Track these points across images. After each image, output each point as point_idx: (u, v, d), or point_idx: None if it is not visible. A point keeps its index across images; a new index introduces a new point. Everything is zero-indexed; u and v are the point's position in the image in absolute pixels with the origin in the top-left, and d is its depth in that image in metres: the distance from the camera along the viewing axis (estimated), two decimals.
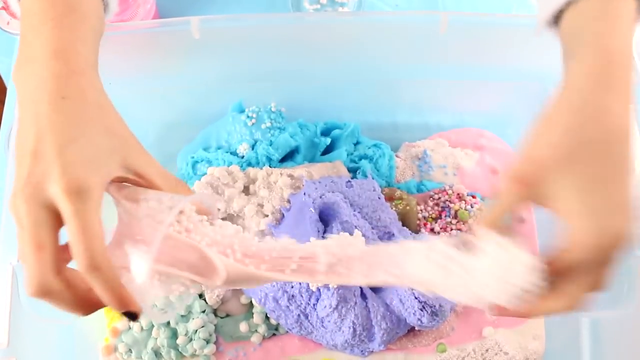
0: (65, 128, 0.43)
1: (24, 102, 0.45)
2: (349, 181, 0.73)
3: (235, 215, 0.73)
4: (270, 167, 0.74)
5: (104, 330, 0.72)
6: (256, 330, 0.72)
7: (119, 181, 0.46)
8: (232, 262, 0.45)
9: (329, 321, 0.68)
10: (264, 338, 0.72)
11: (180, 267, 0.45)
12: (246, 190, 0.73)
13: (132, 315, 0.44)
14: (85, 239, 0.41)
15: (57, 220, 0.43)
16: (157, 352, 0.71)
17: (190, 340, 0.70)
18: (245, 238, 0.47)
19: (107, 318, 0.72)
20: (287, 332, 0.72)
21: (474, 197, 0.76)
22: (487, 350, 0.72)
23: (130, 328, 0.71)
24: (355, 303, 0.67)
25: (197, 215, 0.46)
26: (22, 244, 0.43)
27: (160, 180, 0.47)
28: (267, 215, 0.72)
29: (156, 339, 0.70)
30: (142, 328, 0.71)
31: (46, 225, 0.42)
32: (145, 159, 0.48)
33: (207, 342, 0.70)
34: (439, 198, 0.76)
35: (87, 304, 0.45)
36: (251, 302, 0.72)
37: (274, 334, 0.72)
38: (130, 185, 0.47)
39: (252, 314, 0.72)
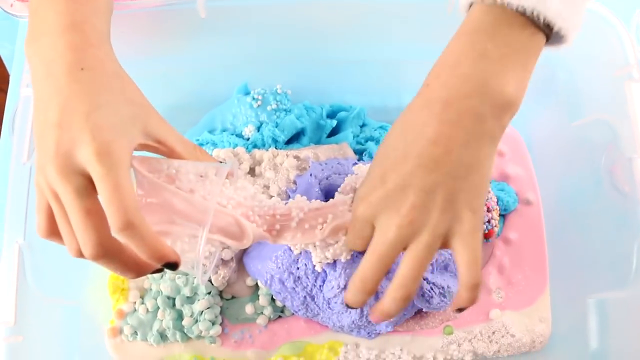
0: (88, 97, 0.43)
1: (41, 76, 0.45)
2: (355, 163, 0.73)
3: None
4: (276, 148, 0.74)
5: (109, 312, 0.72)
6: (262, 313, 0.72)
7: (141, 148, 0.47)
8: (255, 227, 0.51)
9: (335, 302, 0.68)
10: (269, 320, 0.72)
11: (212, 230, 0.48)
12: (252, 171, 0.73)
13: (172, 266, 0.45)
14: (118, 197, 0.41)
15: (92, 185, 0.43)
16: (162, 334, 0.71)
17: (196, 321, 0.70)
18: (263, 200, 0.53)
19: (112, 300, 0.72)
20: (293, 314, 0.72)
21: None
22: (493, 333, 0.72)
23: (135, 310, 0.71)
24: None
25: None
26: (71, 213, 0.43)
27: (180, 147, 0.49)
28: (273, 197, 0.71)
29: (161, 320, 0.70)
30: (147, 310, 0.71)
31: (87, 190, 0.43)
32: (165, 127, 0.49)
33: (213, 323, 0.70)
34: None
35: (138, 266, 0.47)
36: (257, 284, 0.72)
37: (279, 316, 0.72)
38: (151, 157, 0.48)
39: (258, 296, 0.72)
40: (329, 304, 0.68)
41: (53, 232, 0.46)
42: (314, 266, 0.67)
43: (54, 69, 0.44)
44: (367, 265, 0.51)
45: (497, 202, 0.75)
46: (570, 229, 0.74)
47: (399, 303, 0.50)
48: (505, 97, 0.47)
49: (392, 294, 0.50)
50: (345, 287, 0.66)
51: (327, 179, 0.70)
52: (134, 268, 0.46)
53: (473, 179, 0.48)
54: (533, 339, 0.72)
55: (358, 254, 0.67)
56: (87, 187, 0.43)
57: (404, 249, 0.50)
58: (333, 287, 0.66)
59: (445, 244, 0.50)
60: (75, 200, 0.43)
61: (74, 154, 0.43)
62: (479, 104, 0.47)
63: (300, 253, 0.67)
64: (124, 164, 0.43)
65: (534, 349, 0.73)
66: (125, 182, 0.42)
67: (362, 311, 0.67)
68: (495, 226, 0.73)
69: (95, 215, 0.43)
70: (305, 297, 0.69)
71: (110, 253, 0.44)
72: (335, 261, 0.67)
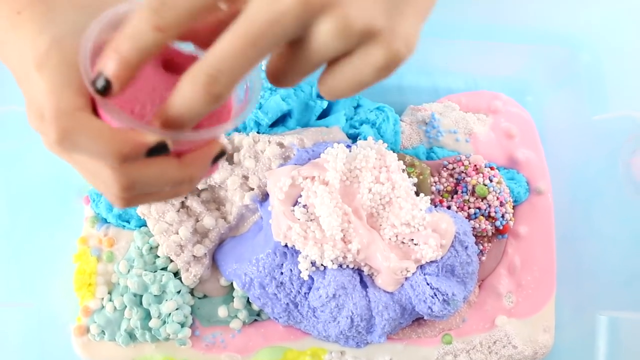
0: (33, 41, 0.36)
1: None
2: (348, 146, 0.65)
3: (216, 186, 0.65)
4: (258, 132, 0.67)
5: (75, 310, 0.66)
6: (236, 316, 0.65)
7: None
8: None
9: (322, 311, 0.61)
10: (244, 324, 0.66)
11: None
12: (230, 159, 0.66)
13: (160, 148, 0.35)
14: (49, 107, 0.34)
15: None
16: (131, 334, 0.65)
17: (164, 323, 0.64)
18: None
19: (78, 296, 0.66)
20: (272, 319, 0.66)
21: (492, 168, 0.68)
22: (494, 343, 0.66)
23: (103, 307, 0.65)
24: (354, 292, 0.61)
25: None
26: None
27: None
28: (252, 189, 0.64)
29: (129, 320, 0.64)
30: (115, 308, 0.65)
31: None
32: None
33: (182, 325, 0.64)
34: (454, 169, 0.68)
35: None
36: (232, 285, 0.66)
37: (255, 320, 0.66)
38: None
39: (232, 297, 0.66)
40: (314, 312, 0.62)
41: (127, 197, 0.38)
42: (299, 272, 0.61)
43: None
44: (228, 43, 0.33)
45: (510, 194, 0.68)
46: (582, 231, 0.69)
47: (198, 97, 0.33)
48: None
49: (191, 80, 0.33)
50: (334, 296, 0.60)
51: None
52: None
53: None
54: (535, 350, 0.66)
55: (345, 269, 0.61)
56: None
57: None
58: (321, 295, 0.60)
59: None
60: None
61: (33, 94, 0.36)
62: None
63: (286, 257, 0.61)
64: (64, 67, 0.35)
65: None
66: (61, 83, 0.35)
67: (352, 321, 0.61)
68: (510, 220, 0.67)
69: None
70: (288, 304, 0.62)
71: (137, 176, 0.36)
72: (325, 268, 0.61)
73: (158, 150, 0.34)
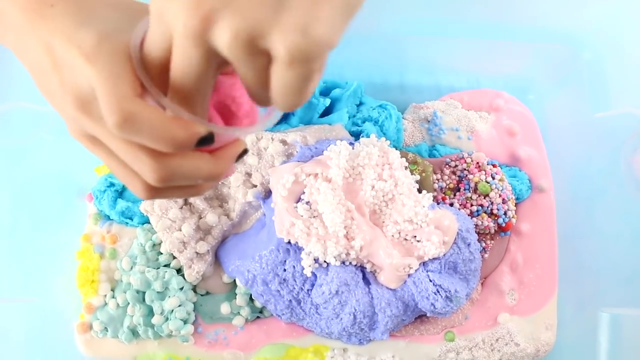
0: (67, 25, 0.37)
1: (21, 52, 0.40)
2: (351, 143, 0.65)
3: (219, 183, 0.65)
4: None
5: (78, 307, 0.66)
6: (239, 313, 0.65)
7: None
8: None
9: (325, 308, 0.61)
10: (246, 321, 0.66)
11: None
12: None
13: (207, 139, 0.37)
14: (109, 89, 0.35)
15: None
16: (133, 331, 0.65)
17: (167, 319, 0.64)
18: None
19: (81, 293, 0.66)
20: (272, 315, 0.66)
21: (494, 165, 0.68)
22: (497, 340, 0.66)
23: (105, 304, 0.65)
24: (357, 288, 0.61)
25: None
26: (115, 146, 0.38)
27: None
28: (255, 186, 0.64)
29: (132, 316, 0.64)
30: (117, 305, 0.65)
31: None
32: None
33: (185, 322, 0.64)
34: (456, 166, 0.68)
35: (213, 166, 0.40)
36: (234, 281, 0.66)
37: (257, 317, 0.66)
38: None
39: (235, 294, 0.66)
40: (317, 309, 0.62)
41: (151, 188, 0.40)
42: (302, 269, 0.61)
43: (22, 32, 0.39)
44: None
45: (512, 192, 0.68)
46: (583, 228, 0.69)
47: None
48: None
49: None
50: (337, 292, 0.60)
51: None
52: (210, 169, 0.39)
53: None
54: (537, 347, 0.66)
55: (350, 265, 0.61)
56: None
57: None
58: (324, 292, 0.60)
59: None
60: (107, 130, 0.37)
61: (77, 82, 0.37)
62: None
63: (289, 254, 0.61)
64: (117, 58, 0.36)
65: (537, 358, 0.67)
66: (119, 69, 0.36)
67: (354, 318, 0.61)
68: (513, 217, 0.67)
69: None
70: (290, 300, 0.62)
71: (176, 166, 0.38)
72: (328, 265, 0.61)
73: (206, 141, 0.37)
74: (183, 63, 0.35)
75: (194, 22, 0.33)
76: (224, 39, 0.33)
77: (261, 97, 0.36)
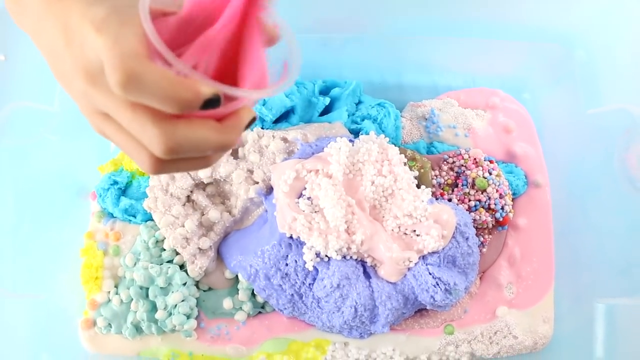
0: (79, 5, 0.38)
1: (34, 32, 0.42)
2: (351, 140, 0.66)
3: (221, 180, 0.66)
4: (262, 128, 0.68)
5: (82, 303, 0.67)
6: (241, 308, 0.66)
7: None
8: None
9: (327, 301, 0.62)
10: (248, 316, 0.67)
11: None
12: (235, 153, 0.67)
13: (213, 101, 0.37)
14: (114, 50, 0.36)
15: None
16: (137, 327, 0.66)
17: (170, 314, 0.65)
18: None
19: (85, 290, 0.67)
20: (274, 310, 0.67)
21: (491, 162, 0.69)
22: (495, 333, 0.67)
23: (109, 301, 0.66)
24: (358, 282, 0.62)
25: None
26: (123, 118, 0.38)
27: None
28: (257, 183, 0.66)
29: (135, 312, 0.65)
30: (121, 301, 0.66)
31: None
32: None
33: (188, 317, 0.65)
34: (454, 162, 0.69)
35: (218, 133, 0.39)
36: (236, 277, 0.67)
37: (259, 312, 0.67)
38: None
39: (237, 290, 0.67)
40: (318, 303, 0.63)
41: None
42: (304, 263, 0.62)
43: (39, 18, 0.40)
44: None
45: (509, 187, 0.69)
46: (579, 223, 0.70)
47: None
48: None
49: None
50: (338, 286, 0.61)
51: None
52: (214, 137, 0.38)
53: None
54: (535, 340, 0.67)
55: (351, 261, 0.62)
56: None
57: None
58: (325, 285, 0.61)
59: None
60: (118, 101, 0.37)
61: (87, 56, 0.37)
62: None
63: (291, 248, 0.62)
64: (125, 26, 0.37)
65: (535, 351, 0.68)
66: (126, 34, 0.36)
67: (355, 311, 0.62)
68: (510, 212, 0.68)
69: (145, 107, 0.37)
70: (292, 295, 0.63)
71: (183, 136, 0.37)
72: (329, 259, 0.62)
73: (212, 102, 0.36)
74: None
75: None
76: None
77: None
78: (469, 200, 0.67)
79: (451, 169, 0.69)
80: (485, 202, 0.67)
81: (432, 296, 0.62)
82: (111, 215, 0.69)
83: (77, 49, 0.38)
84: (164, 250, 0.66)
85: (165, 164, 0.39)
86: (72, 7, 0.39)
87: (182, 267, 0.66)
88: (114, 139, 0.40)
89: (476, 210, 0.67)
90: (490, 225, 0.68)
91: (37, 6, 0.40)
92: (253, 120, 0.40)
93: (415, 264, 0.62)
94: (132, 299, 0.65)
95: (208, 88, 0.36)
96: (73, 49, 0.38)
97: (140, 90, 0.35)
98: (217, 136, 0.38)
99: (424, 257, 0.63)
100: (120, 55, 0.35)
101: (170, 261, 0.66)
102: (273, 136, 0.66)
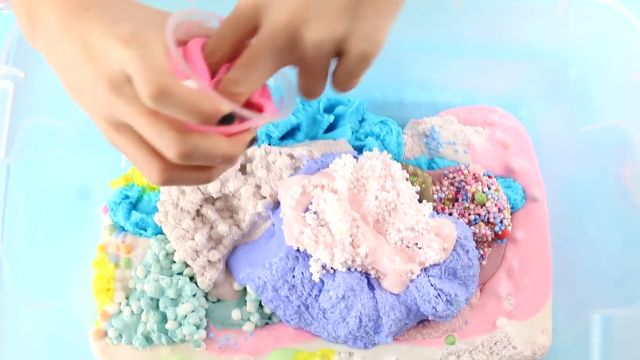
0: (102, 20, 0.42)
1: (51, 48, 0.44)
2: (355, 157, 0.69)
3: (230, 195, 0.69)
4: (269, 144, 0.70)
5: (94, 314, 0.69)
6: (249, 319, 0.68)
7: None
8: None
9: (332, 312, 0.64)
10: (256, 327, 0.69)
11: None
12: (243, 169, 0.69)
13: (229, 118, 0.41)
14: (145, 64, 0.39)
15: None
16: (147, 338, 0.68)
17: (180, 325, 0.67)
18: None
19: (97, 301, 0.69)
20: (281, 321, 0.68)
21: (490, 177, 0.72)
22: (495, 344, 0.69)
23: (120, 312, 0.68)
24: (362, 293, 0.64)
25: None
26: (140, 124, 0.41)
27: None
28: (264, 197, 0.68)
29: (146, 323, 0.67)
30: (132, 312, 0.68)
31: None
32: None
33: (197, 327, 0.67)
34: (454, 178, 0.71)
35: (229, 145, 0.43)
36: (244, 289, 0.69)
37: (266, 323, 0.69)
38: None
39: (245, 301, 0.69)
40: (324, 313, 0.65)
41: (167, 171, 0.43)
42: (311, 275, 0.64)
43: (56, 30, 0.43)
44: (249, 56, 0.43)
45: (507, 201, 0.72)
46: (575, 236, 0.71)
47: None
48: None
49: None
50: (343, 297, 0.63)
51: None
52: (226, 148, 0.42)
53: None
54: (534, 350, 0.69)
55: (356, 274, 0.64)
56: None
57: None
58: (331, 297, 0.63)
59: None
60: (140, 108, 0.40)
61: (110, 66, 0.40)
62: None
63: (298, 261, 0.64)
64: (151, 42, 0.40)
65: None
66: (154, 51, 0.40)
67: (360, 321, 0.64)
68: (509, 225, 0.70)
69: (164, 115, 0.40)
70: (299, 306, 0.65)
71: (197, 143, 0.41)
72: (335, 271, 0.64)
73: (228, 118, 0.41)
74: (265, 45, 0.43)
75: (292, 20, 0.42)
76: (312, 39, 0.43)
77: (316, 87, 0.46)
78: (469, 214, 0.70)
79: (451, 184, 0.71)
80: (484, 216, 0.70)
81: (434, 307, 0.64)
82: (122, 229, 0.71)
83: (99, 60, 0.41)
84: (174, 262, 0.68)
85: (173, 174, 0.43)
86: (93, 25, 0.42)
87: (192, 279, 0.68)
88: (126, 150, 0.43)
89: (476, 224, 0.69)
90: (490, 239, 0.70)
91: (53, 24, 0.43)
92: (254, 140, 0.45)
93: (418, 275, 0.64)
94: (142, 310, 0.67)
95: (227, 106, 0.40)
96: (95, 61, 0.41)
97: (169, 103, 0.39)
98: (225, 147, 0.42)
99: (425, 269, 0.65)
100: (152, 71, 0.39)
101: (180, 273, 0.68)
102: (280, 152, 0.68)
